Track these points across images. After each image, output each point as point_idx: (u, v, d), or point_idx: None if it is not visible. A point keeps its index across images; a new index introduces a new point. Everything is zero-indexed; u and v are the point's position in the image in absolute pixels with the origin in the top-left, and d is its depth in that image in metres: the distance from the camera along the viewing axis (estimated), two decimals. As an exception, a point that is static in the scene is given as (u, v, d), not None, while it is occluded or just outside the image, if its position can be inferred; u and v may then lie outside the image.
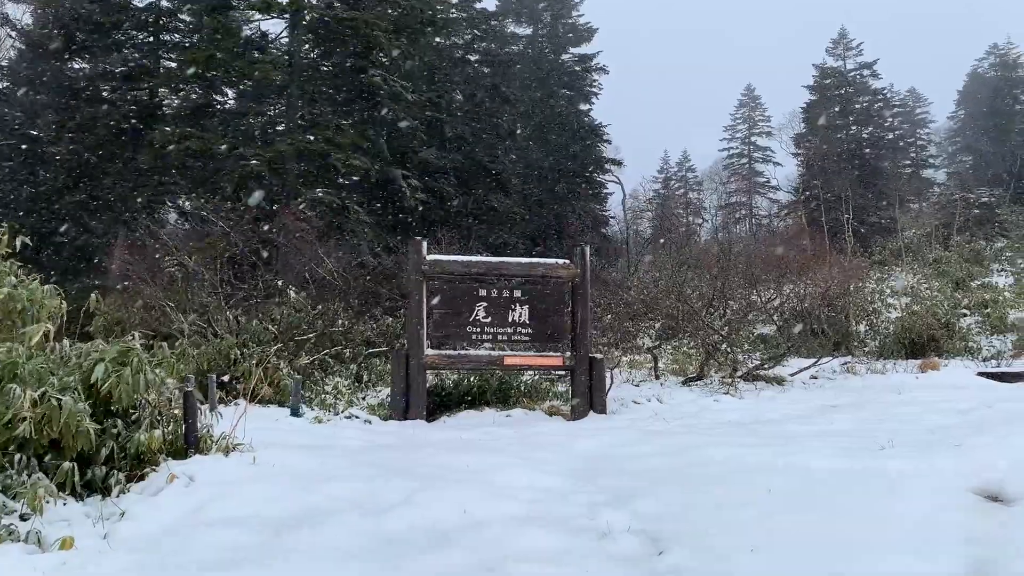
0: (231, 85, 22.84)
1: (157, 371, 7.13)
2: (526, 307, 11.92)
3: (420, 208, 21.55)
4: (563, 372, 12.24)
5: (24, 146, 24.77)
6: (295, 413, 11.15)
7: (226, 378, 14.90)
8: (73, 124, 23.01)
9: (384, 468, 6.98)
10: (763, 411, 12.30)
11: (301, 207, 19.41)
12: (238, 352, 15.14)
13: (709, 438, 8.36)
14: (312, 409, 13.45)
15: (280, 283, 19.02)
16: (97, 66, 24.05)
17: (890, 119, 52.22)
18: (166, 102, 23.33)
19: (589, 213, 36.52)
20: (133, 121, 22.07)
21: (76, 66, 25.69)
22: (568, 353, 12.10)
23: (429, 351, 11.87)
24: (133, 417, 6.69)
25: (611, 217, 41.88)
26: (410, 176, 21.52)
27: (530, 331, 11.92)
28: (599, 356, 12.22)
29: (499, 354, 11.97)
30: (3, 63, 33.26)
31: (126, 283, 17.26)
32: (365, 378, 16.62)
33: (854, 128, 47.38)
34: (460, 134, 25.55)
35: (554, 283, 12.19)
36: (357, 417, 11.41)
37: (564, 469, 6.99)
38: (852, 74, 48.72)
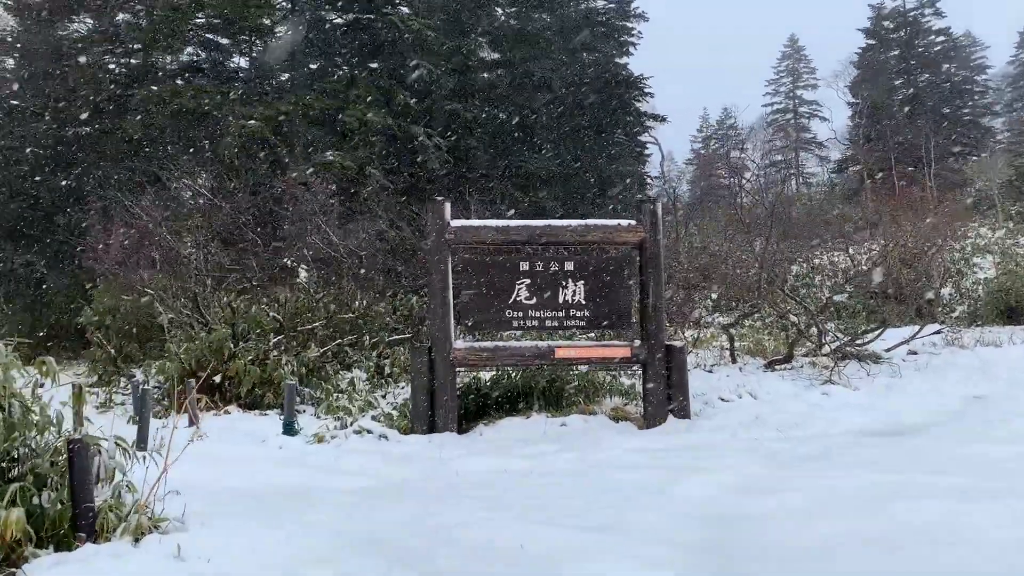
0: (231, 39, 20.18)
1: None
2: (581, 283, 9.21)
3: (445, 171, 18.86)
4: (631, 365, 9.51)
5: (9, 120, 22.48)
6: (288, 430, 8.61)
7: (217, 379, 12.44)
8: (58, 92, 20.60)
9: (389, 556, 4.36)
10: (893, 409, 9.51)
11: (309, 173, 16.78)
12: (232, 346, 12.68)
13: (874, 474, 5.60)
14: (319, 416, 10.90)
15: (288, 262, 16.49)
16: (91, 25, 21.67)
17: (947, 65, 48.02)
18: (159, 63, 20.75)
19: (629, 173, 33.47)
20: (123, 87, 19.52)
21: (67, 32, 23.30)
22: (637, 342, 9.38)
23: (458, 343, 9.24)
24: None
25: (654, 178, 38.78)
26: (433, 134, 18.77)
27: (587, 314, 9.22)
28: (678, 344, 9.47)
29: (548, 345, 9.28)
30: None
31: (115, 268, 14.89)
32: (387, 370, 14.08)
33: (916, 73, 43.43)
34: (490, 82, 22.67)
35: (616, 251, 9.48)
36: (370, 432, 8.82)
37: (679, 552, 4.30)
38: (912, 14, 44.66)
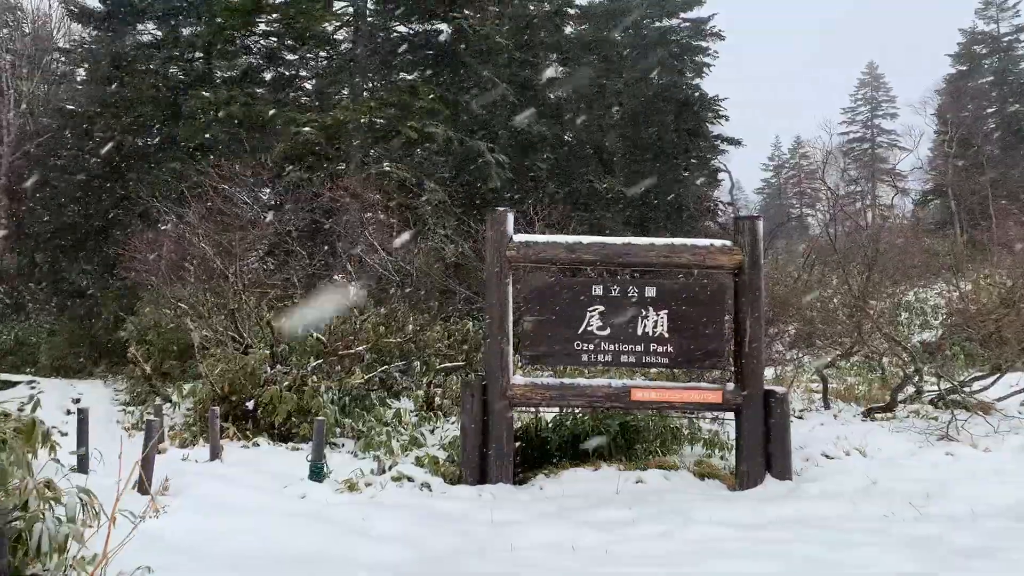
0: (291, 46, 19.39)
1: None
2: (664, 313, 7.78)
3: (507, 189, 17.65)
4: (722, 412, 8.01)
5: (68, 130, 22.20)
6: (316, 475, 7.33)
7: (251, 405, 11.32)
8: (116, 100, 20.10)
9: None
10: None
11: (364, 185, 15.70)
12: (267, 370, 11.56)
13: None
14: (357, 455, 9.64)
15: (337, 278, 15.39)
16: (154, 33, 21.27)
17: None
18: (217, 71, 20.10)
19: (701, 198, 31.82)
20: (179, 95, 18.86)
21: (130, 41, 23.00)
22: (730, 385, 7.88)
23: (516, 378, 7.88)
24: None
25: (726, 204, 37.00)
26: (496, 149, 17.57)
27: (670, 349, 7.77)
28: (779, 389, 7.93)
29: (623, 384, 7.86)
30: (65, 44, 31.22)
31: (153, 280, 14.01)
32: (437, 401, 12.80)
33: (1011, 101, 40.79)
34: (558, 99, 21.43)
35: (707, 277, 8.01)
36: (411, 480, 7.49)
37: None
38: (1007, 39, 42.10)
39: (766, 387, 7.85)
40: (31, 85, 30.14)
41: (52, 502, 4.16)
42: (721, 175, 36.79)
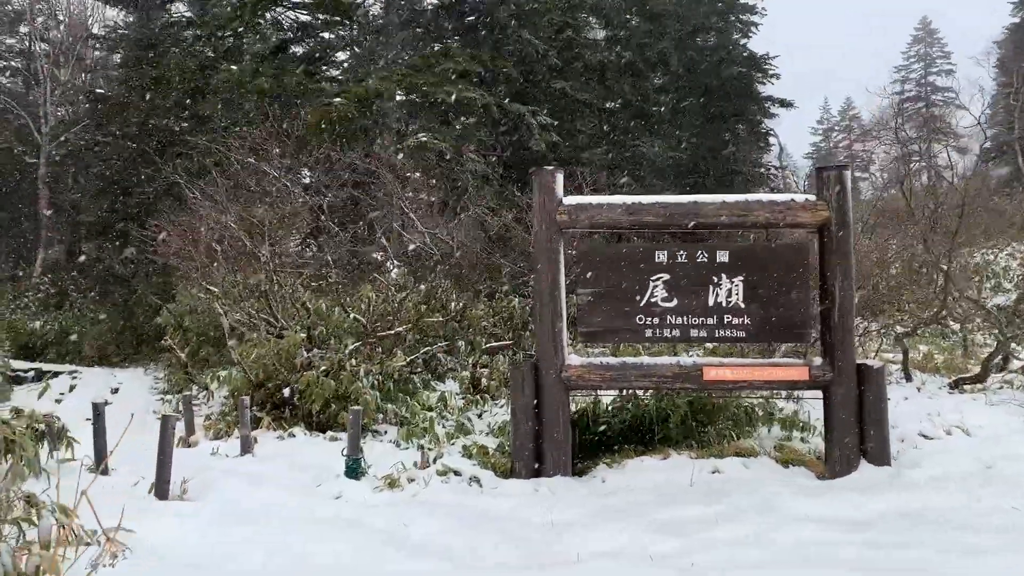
0: (321, 17, 18.60)
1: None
2: (739, 280, 6.83)
3: (551, 156, 16.71)
4: (807, 390, 7.05)
5: (101, 116, 21.83)
6: (352, 471, 6.58)
7: (287, 392, 10.65)
8: (148, 81, 19.61)
9: None
10: None
11: (400, 157, 14.92)
12: (305, 354, 10.87)
13: None
14: (399, 444, 8.89)
15: (378, 256, 14.68)
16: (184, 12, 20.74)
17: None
18: (247, 46, 19.43)
19: (752, 162, 30.43)
20: (208, 73, 18.24)
21: (161, 21, 22.51)
22: (817, 359, 6.92)
23: (572, 358, 7.02)
24: None
25: (778, 169, 35.48)
26: (539, 112, 16.59)
27: (747, 321, 6.83)
28: (875, 363, 6.95)
29: (694, 362, 6.95)
30: (99, 30, 31.03)
31: (181, 263, 13.45)
32: (484, 383, 12.01)
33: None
34: (600, 61, 20.29)
35: (788, 236, 7.04)
36: (458, 474, 6.69)
37: None
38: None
39: (859, 362, 6.87)
40: (67, 73, 30.01)
41: (21, 523, 3.44)
42: (771, 140, 35.29)
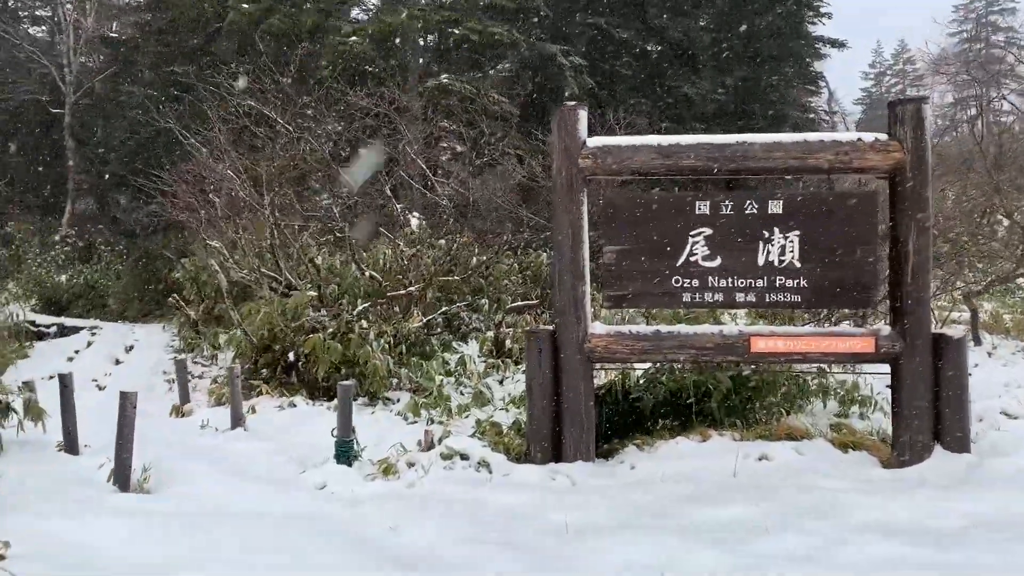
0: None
1: None
2: (795, 235, 5.80)
3: (585, 98, 15.56)
4: (873, 363, 6.01)
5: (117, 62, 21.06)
6: (342, 455, 5.77)
7: (291, 356, 9.92)
8: (163, 26, 18.75)
9: None
10: None
11: (421, 102, 13.91)
12: (312, 314, 10.09)
13: None
14: (408, 419, 8.08)
15: (398, 208, 13.78)
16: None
17: None
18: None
19: (802, 106, 28.73)
20: (221, 16, 17.28)
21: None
22: (885, 328, 5.89)
23: (597, 327, 6.08)
24: None
25: (829, 113, 33.66)
26: (572, 52, 15.39)
27: (803, 284, 5.81)
28: (954, 333, 5.90)
29: (739, 332, 5.96)
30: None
31: (189, 218, 12.71)
32: (508, 344, 11.16)
33: None
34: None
35: (852, 184, 5.95)
36: (464, 458, 5.84)
37: None
38: None
39: (935, 332, 5.82)
40: (92, 20, 29.25)
41: None
42: (820, 84, 33.34)
